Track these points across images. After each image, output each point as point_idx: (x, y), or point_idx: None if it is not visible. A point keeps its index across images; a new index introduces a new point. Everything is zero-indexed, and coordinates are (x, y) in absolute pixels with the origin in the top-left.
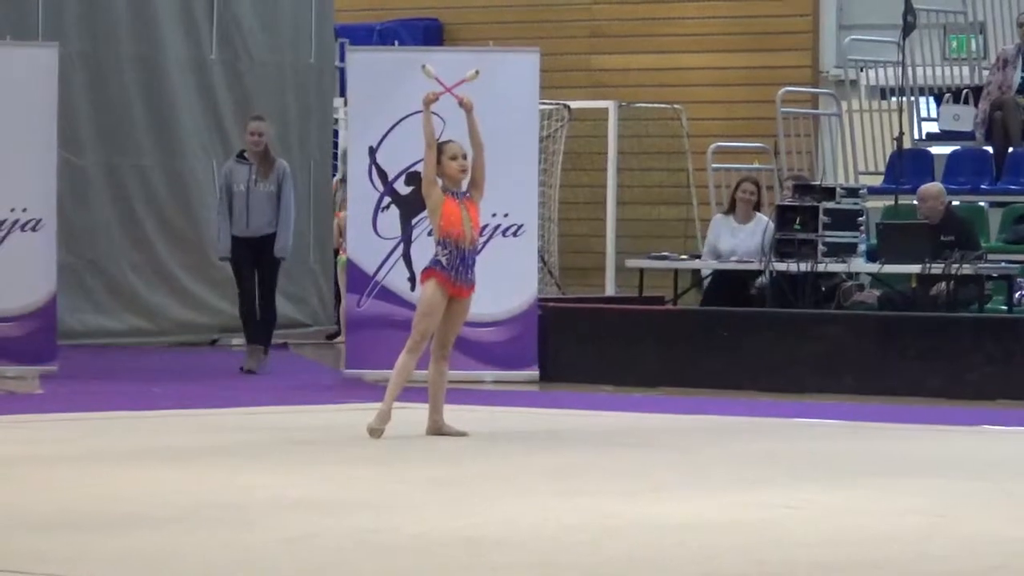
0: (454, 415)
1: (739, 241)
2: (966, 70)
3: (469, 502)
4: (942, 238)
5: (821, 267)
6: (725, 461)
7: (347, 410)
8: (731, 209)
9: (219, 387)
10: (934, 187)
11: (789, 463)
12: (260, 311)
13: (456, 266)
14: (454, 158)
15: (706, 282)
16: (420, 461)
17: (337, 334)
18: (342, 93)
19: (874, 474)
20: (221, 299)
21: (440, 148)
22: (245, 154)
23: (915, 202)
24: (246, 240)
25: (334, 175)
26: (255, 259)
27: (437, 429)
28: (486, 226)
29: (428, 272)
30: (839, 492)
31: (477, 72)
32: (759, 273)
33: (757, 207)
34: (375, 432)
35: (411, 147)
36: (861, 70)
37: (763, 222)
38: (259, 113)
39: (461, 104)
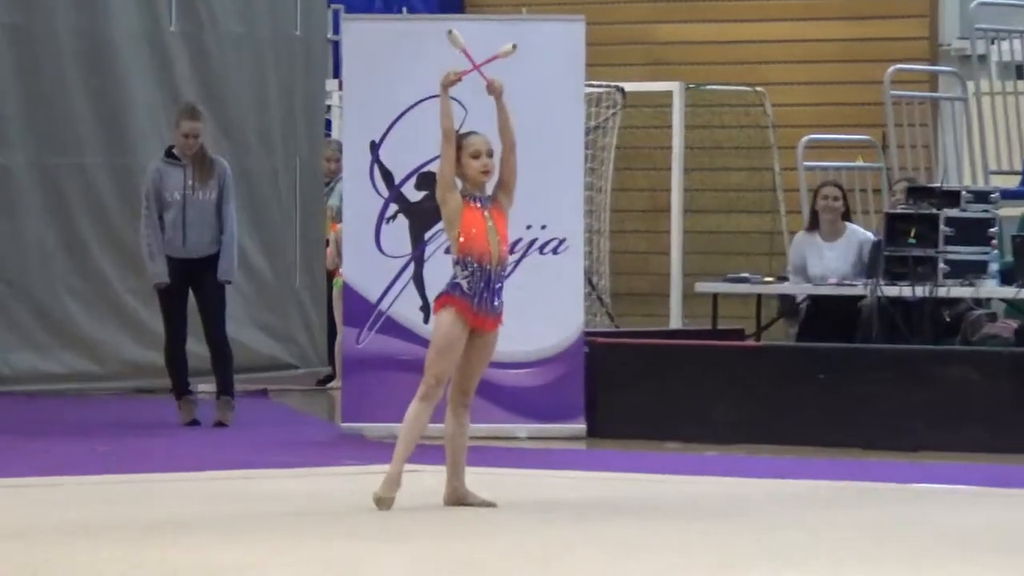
0: (479, 480)
1: (829, 264)
2: None
3: None
4: None
5: (942, 291)
6: (822, 537)
7: (344, 474)
8: (814, 224)
9: (182, 445)
10: None
11: (905, 539)
12: (213, 351)
13: (479, 291)
14: (476, 156)
15: (802, 306)
16: (437, 537)
17: (331, 378)
18: (336, 74)
19: (1013, 552)
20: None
21: (459, 142)
22: (175, 151)
23: None
24: (180, 263)
25: (328, 181)
26: (191, 287)
27: (458, 498)
28: (518, 241)
29: (444, 299)
30: (969, 574)
31: (514, 47)
32: (863, 299)
33: (846, 216)
34: (383, 502)
35: (423, 142)
36: (992, 42)
37: (856, 235)
38: (193, 106)
39: (490, 88)
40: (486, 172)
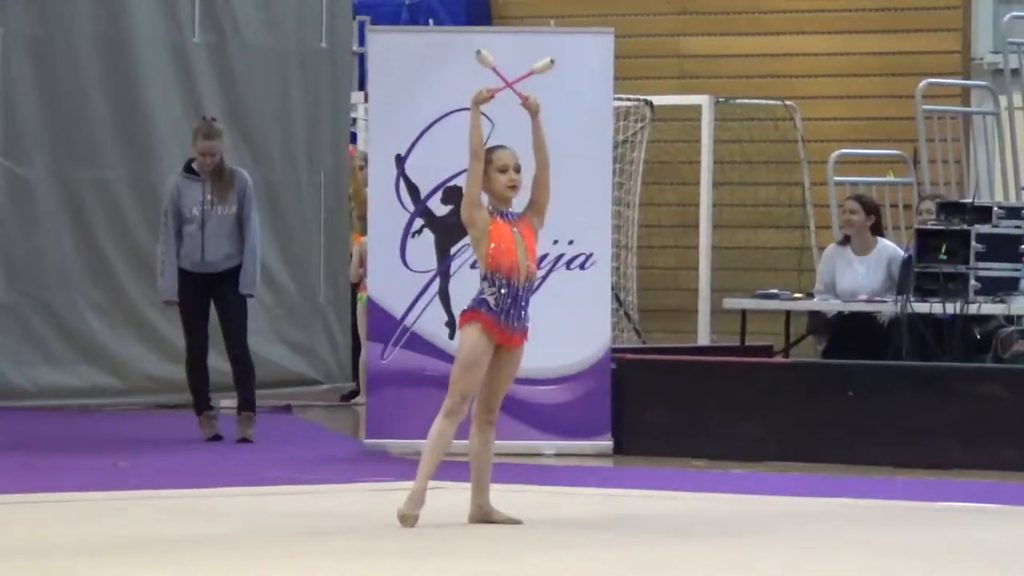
0: (504, 497)
1: (859, 278)
2: None
3: None
4: None
5: (973, 308)
6: (852, 555)
7: (368, 490)
8: (846, 237)
9: (205, 461)
10: None
11: (936, 560)
12: (234, 366)
13: (506, 308)
14: (504, 170)
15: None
16: (460, 555)
17: (355, 393)
18: (361, 87)
19: None
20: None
21: (487, 156)
22: (194, 166)
23: None
24: (200, 277)
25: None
26: (211, 301)
27: (483, 515)
28: (544, 256)
29: (471, 314)
30: None
31: (552, 62)
32: (888, 315)
33: (877, 231)
34: (407, 519)
35: (449, 155)
36: None
37: (886, 251)
38: (211, 124)
39: (525, 105)
40: (513, 187)
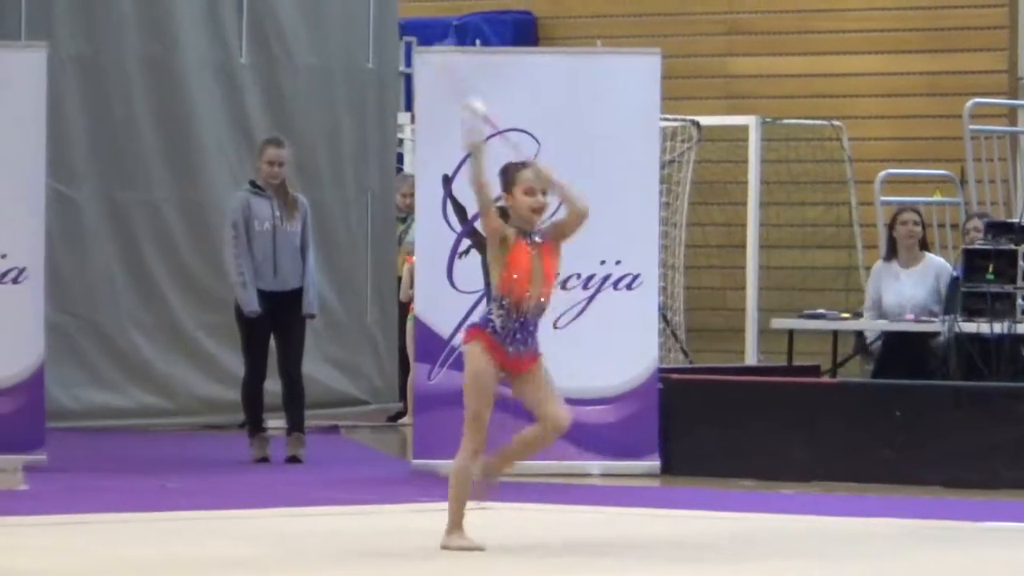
0: (550, 518)
1: (905, 290)
2: None
3: None
4: None
5: (1021, 328)
6: None
7: (416, 511)
8: (891, 253)
9: (254, 482)
10: None
11: None
12: (288, 387)
13: (513, 332)
14: (530, 192)
15: (874, 346)
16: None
17: (402, 414)
18: (408, 107)
19: None
20: None
21: (513, 176)
22: (258, 182)
23: None
24: (269, 296)
25: (403, 216)
26: (276, 322)
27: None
28: (592, 276)
29: (475, 331)
30: None
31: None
32: (936, 336)
33: (924, 246)
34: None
35: (496, 175)
36: None
37: (934, 264)
38: (278, 136)
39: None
40: (537, 210)
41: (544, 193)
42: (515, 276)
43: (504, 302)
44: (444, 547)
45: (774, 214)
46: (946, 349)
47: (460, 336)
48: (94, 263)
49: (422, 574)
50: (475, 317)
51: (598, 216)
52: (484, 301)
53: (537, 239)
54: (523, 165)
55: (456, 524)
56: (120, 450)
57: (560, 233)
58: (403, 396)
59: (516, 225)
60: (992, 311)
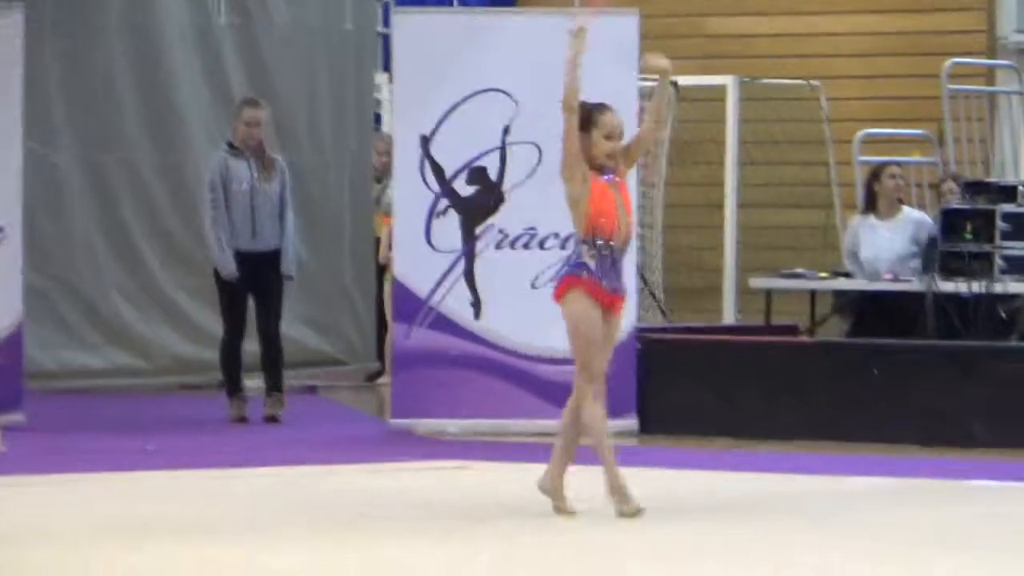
0: (525, 477)
1: (883, 242)
2: None
3: None
4: None
5: (999, 287)
6: (880, 532)
7: (395, 470)
8: (870, 206)
9: (231, 441)
10: None
11: (965, 536)
12: (266, 347)
13: (607, 270)
14: (609, 137)
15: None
16: (484, 534)
17: (380, 374)
18: (386, 67)
19: None
20: None
21: (592, 117)
22: (236, 144)
23: None
24: (247, 257)
25: (378, 177)
26: (254, 282)
27: (552, 488)
28: (570, 236)
29: (571, 279)
30: None
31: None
32: (919, 296)
33: (902, 200)
34: (632, 515)
35: (474, 136)
36: None
37: (912, 217)
38: (255, 97)
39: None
40: (613, 156)
41: (621, 137)
42: (602, 208)
43: (595, 240)
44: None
45: (752, 174)
46: (924, 308)
47: (551, 289)
48: (73, 225)
49: (400, 532)
50: (562, 266)
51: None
52: (462, 261)
53: (612, 175)
54: (604, 107)
55: (612, 472)
56: (99, 411)
57: (632, 158)
58: (381, 356)
59: (592, 164)
60: (970, 270)
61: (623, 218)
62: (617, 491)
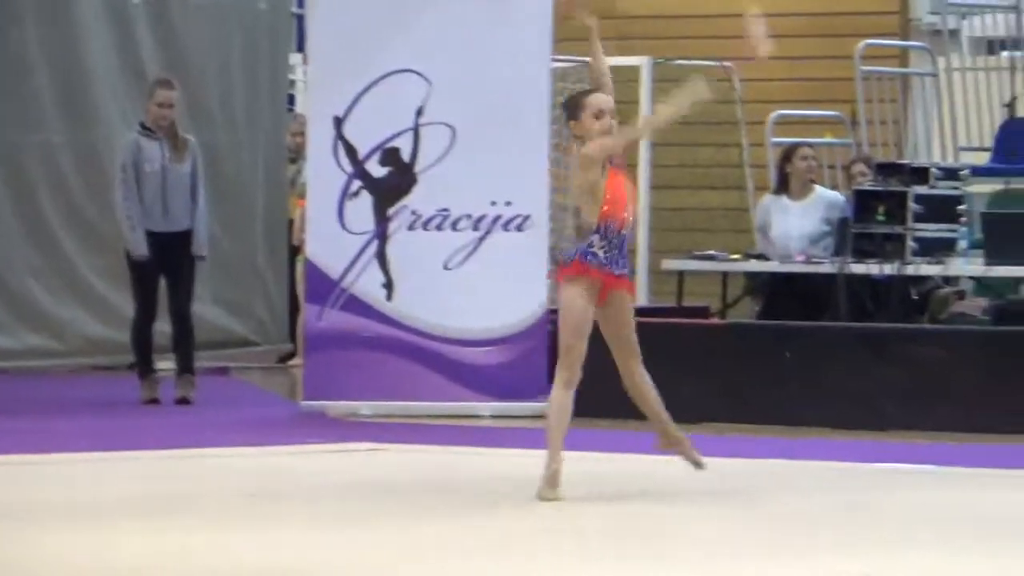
0: (441, 459)
1: (793, 221)
2: None
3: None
4: None
5: (911, 269)
6: (789, 519)
7: (306, 452)
8: (782, 187)
9: (145, 423)
10: None
11: (873, 520)
12: (178, 328)
13: (615, 257)
14: (599, 115)
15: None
16: (393, 518)
17: (292, 355)
18: (300, 48)
19: (982, 536)
20: None
21: (579, 101)
22: (148, 125)
23: None
24: (159, 237)
25: (293, 157)
26: (166, 263)
27: (670, 442)
28: (482, 217)
29: (575, 267)
30: (941, 558)
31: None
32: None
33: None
34: (549, 501)
35: (387, 117)
36: (963, 17)
37: (825, 197)
38: (167, 77)
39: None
40: (606, 133)
41: (613, 115)
42: (616, 197)
43: (607, 229)
44: (541, 498)
45: (665, 155)
46: (836, 290)
47: (549, 272)
48: None
49: (310, 514)
50: (572, 249)
51: (489, 157)
52: (374, 243)
53: (613, 161)
54: (588, 92)
55: (555, 475)
56: (10, 392)
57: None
58: (293, 337)
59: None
60: (882, 252)
61: (630, 205)
62: (550, 477)
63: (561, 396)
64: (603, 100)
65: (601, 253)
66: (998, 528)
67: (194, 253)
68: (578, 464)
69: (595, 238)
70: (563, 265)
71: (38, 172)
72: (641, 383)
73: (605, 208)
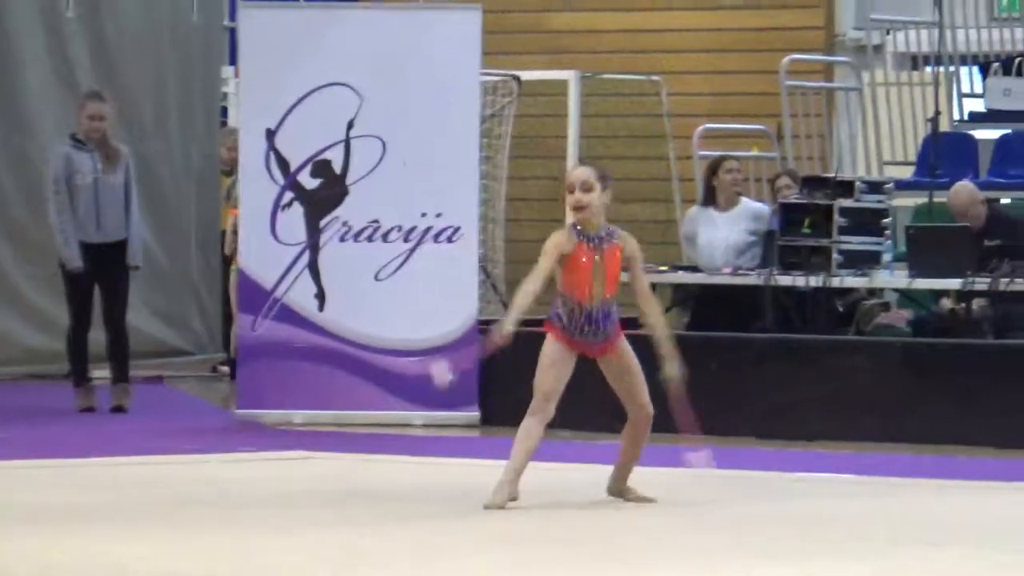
0: (372, 467)
1: (720, 233)
2: (1019, 33)
3: None
4: (987, 245)
5: (836, 281)
6: (714, 527)
7: (239, 461)
8: (709, 199)
9: (80, 431)
10: (964, 188)
11: (798, 528)
12: (113, 337)
13: (580, 326)
14: (570, 190)
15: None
16: (330, 527)
17: (226, 364)
18: (232, 61)
19: (903, 542)
20: None
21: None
22: (79, 136)
23: None
24: (93, 248)
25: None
26: (100, 273)
27: (618, 492)
28: (412, 229)
29: (548, 325)
30: (863, 566)
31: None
32: (758, 289)
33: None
34: (493, 507)
35: (318, 129)
36: (887, 33)
37: (750, 208)
38: (98, 90)
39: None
40: (578, 208)
41: (584, 190)
42: (575, 278)
43: (566, 300)
44: (487, 504)
45: None
46: (762, 302)
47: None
48: None
49: (242, 520)
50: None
51: (419, 170)
52: (306, 253)
53: (602, 243)
54: (576, 166)
55: (504, 485)
56: None
57: (629, 270)
58: (227, 347)
59: (582, 231)
60: (808, 264)
61: (599, 284)
62: (501, 486)
63: (527, 421)
64: (576, 174)
65: (565, 317)
66: (919, 535)
67: (128, 263)
68: (500, 471)
69: (559, 302)
70: (546, 320)
71: None
72: (636, 435)
73: (563, 283)
